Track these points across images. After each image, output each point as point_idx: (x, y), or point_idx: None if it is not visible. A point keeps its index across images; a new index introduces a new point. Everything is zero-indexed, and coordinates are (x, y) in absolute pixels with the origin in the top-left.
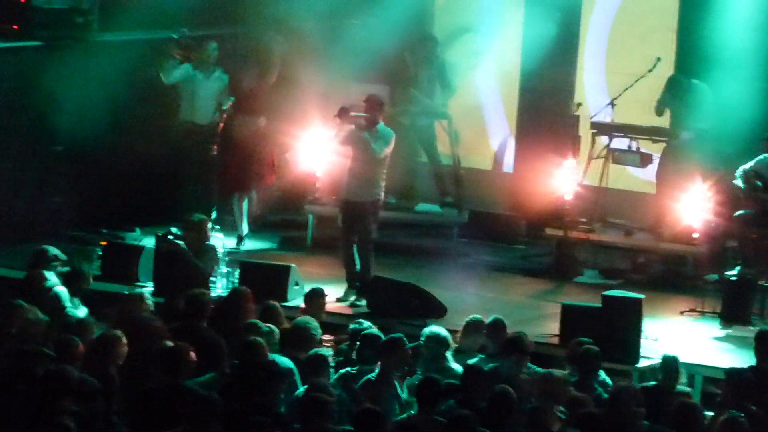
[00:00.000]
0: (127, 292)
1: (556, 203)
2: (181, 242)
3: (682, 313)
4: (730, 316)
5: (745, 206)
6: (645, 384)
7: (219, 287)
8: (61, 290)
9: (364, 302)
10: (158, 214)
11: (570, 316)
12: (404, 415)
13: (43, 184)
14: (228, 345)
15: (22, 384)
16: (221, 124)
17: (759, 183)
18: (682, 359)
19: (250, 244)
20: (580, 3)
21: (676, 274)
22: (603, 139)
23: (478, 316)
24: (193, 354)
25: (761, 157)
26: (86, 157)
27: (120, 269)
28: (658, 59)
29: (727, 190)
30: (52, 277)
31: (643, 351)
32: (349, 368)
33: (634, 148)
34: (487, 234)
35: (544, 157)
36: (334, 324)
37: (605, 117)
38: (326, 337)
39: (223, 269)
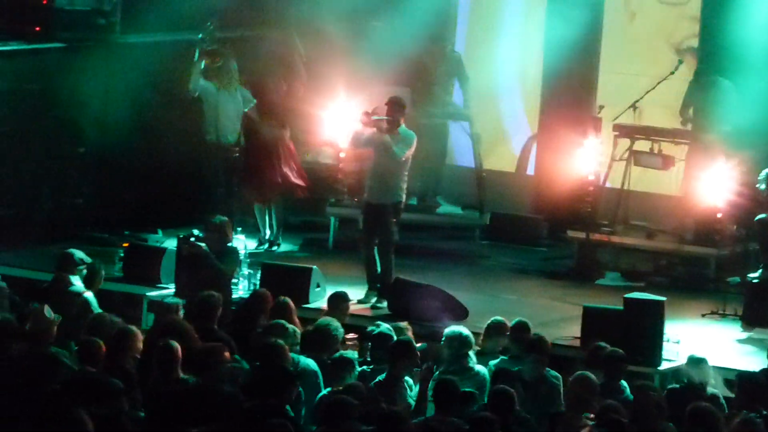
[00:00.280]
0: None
1: (578, 204)
2: (202, 244)
3: (703, 315)
4: (751, 319)
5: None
6: (672, 386)
7: (240, 289)
8: (90, 296)
9: (385, 304)
10: (180, 216)
11: (591, 318)
12: (421, 418)
13: (65, 186)
14: (248, 347)
15: (36, 390)
16: (246, 126)
17: None
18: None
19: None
20: (602, 3)
21: (698, 276)
22: (625, 142)
23: (500, 318)
24: (227, 354)
25: None
26: (109, 158)
27: (142, 271)
28: (680, 61)
29: (749, 175)
30: (77, 282)
31: (665, 353)
32: (365, 367)
33: (655, 151)
34: (508, 236)
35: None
36: (355, 326)
37: (627, 119)
38: (350, 336)
39: (245, 271)
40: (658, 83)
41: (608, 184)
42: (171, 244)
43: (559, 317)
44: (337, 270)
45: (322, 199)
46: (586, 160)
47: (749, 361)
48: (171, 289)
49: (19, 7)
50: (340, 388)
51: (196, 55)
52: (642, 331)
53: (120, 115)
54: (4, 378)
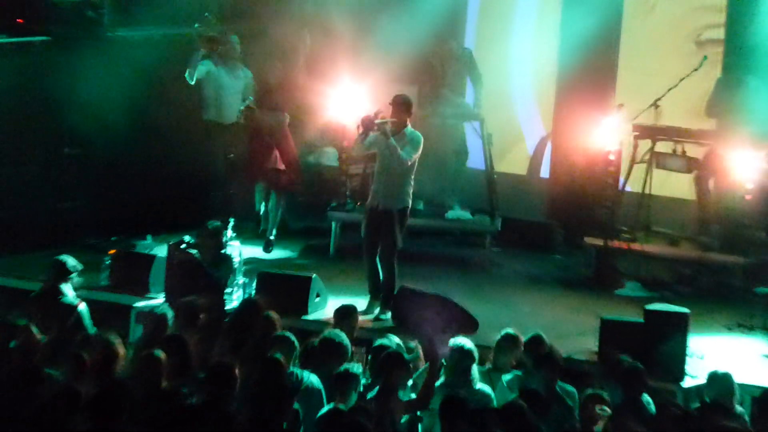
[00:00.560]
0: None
1: (596, 209)
2: (194, 251)
3: (730, 328)
4: None
5: None
6: (696, 405)
7: (235, 299)
8: (84, 309)
9: (389, 315)
10: (172, 221)
11: (610, 331)
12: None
13: (53, 189)
14: (240, 358)
15: (24, 406)
16: (246, 119)
17: None
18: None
19: (270, 250)
20: (622, 1)
21: (724, 286)
22: (646, 143)
23: (512, 330)
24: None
25: None
26: (98, 160)
27: (130, 279)
28: (705, 58)
29: None
30: (68, 290)
31: (689, 369)
32: (364, 379)
33: (679, 152)
34: (521, 243)
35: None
36: (360, 338)
37: (649, 119)
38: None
39: (240, 280)
40: (681, 80)
41: (628, 188)
42: (161, 250)
43: (575, 329)
44: (339, 278)
45: (324, 202)
46: (604, 162)
47: None
48: (160, 299)
49: None
50: (342, 405)
51: (193, 44)
52: (664, 344)
53: (112, 114)
54: None
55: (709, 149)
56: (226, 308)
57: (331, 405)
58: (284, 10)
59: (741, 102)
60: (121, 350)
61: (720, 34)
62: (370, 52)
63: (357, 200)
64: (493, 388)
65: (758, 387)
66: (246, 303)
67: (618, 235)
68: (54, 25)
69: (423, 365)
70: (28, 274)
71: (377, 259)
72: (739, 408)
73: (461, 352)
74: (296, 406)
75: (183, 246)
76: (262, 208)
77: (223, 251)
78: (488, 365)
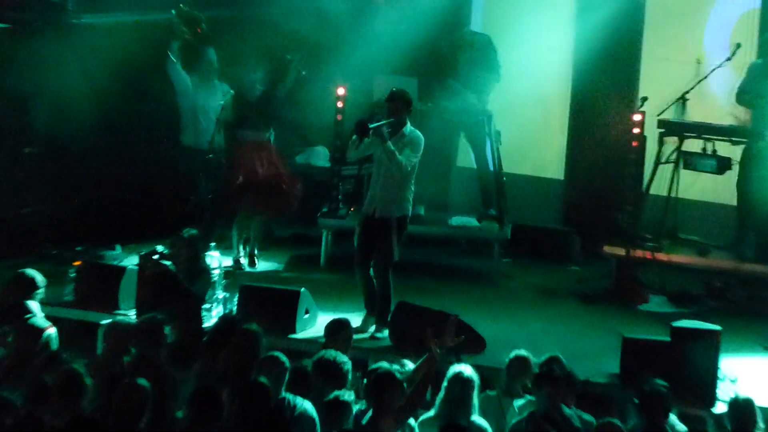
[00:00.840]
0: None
1: (617, 214)
2: (168, 262)
3: (766, 347)
4: None
5: None
6: None
7: (214, 316)
8: (53, 333)
9: (385, 333)
10: (144, 229)
11: (633, 350)
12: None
13: (11, 193)
14: (218, 380)
15: None
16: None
17: None
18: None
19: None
20: None
21: (760, 300)
22: (673, 141)
23: (524, 351)
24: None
25: None
26: (63, 160)
27: (96, 294)
28: (738, 45)
29: None
30: (36, 310)
31: (720, 393)
32: (358, 405)
33: (709, 151)
34: (534, 252)
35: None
36: (353, 359)
37: (676, 114)
38: None
39: (219, 294)
40: (713, 70)
41: (652, 191)
42: (131, 262)
43: (594, 349)
44: (331, 293)
45: (313, 208)
46: (625, 162)
47: None
48: (131, 315)
49: None
50: None
51: (173, 27)
52: (693, 366)
53: (77, 109)
54: None
55: (746, 147)
56: (204, 326)
57: None
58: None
59: None
60: (89, 380)
61: (755, 17)
62: (365, 41)
63: (351, 205)
64: (504, 415)
65: None
66: (224, 320)
67: (641, 243)
68: (13, 10)
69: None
70: None
71: (370, 272)
72: None
73: (460, 381)
74: None
75: (156, 257)
76: (241, 253)
77: (200, 262)
78: (497, 389)
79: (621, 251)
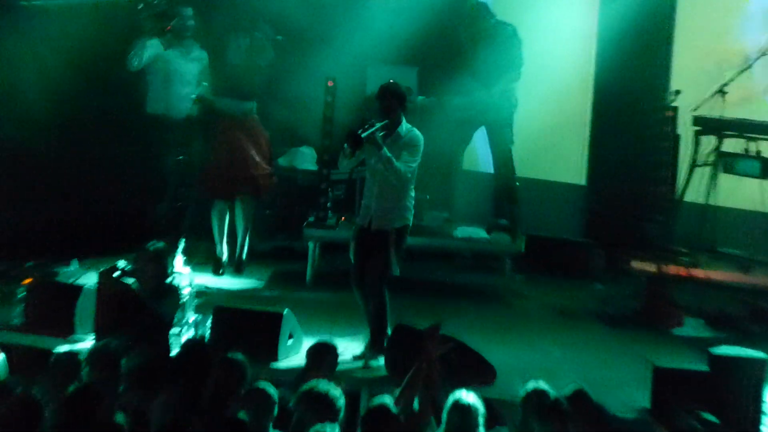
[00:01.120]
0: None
1: (646, 224)
2: (132, 280)
3: None
4: None
5: None
6: None
7: (184, 341)
8: (2, 359)
9: (380, 361)
10: (103, 242)
11: (665, 380)
12: None
13: None
14: (187, 416)
15: None
16: (201, 111)
17: None
18: None
19: (228, 282)
20: None
21: None
22: (710, 140)
23: (541, 382)
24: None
25: None
26: (11, 162)
27: (50, 316)
28: None
29: None
30: None
31: (766, 430)
32: None
33: (752, 152)
34: (551, 267)
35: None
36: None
37: (713, 110)
38: None
39: (190, 316)
40: (756, 59)
41: (687, 198)
42: (89, 279)
43: (620, 380)
44: (318, 314)
45: (298, 217)
46: (656, 165)
47: None
48: (89, 341)
49: None
50: None
51: (141, 21)
52: (734, 397)
53: (26, 104)
54: None
55: None
56: (171, 353)
57: None
58: None
59: None
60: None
61: None
62: (359, 25)
63: (341, 214)
64: None
65: None
66: (190, 346)
67: (674, 257)
68: None
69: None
70: None
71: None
72: None
73: (459, 410)
74: None
75: (117, 274)
76: (225, 251)
77: (168, 280)
78: (510, 426)
79: (651, 267)
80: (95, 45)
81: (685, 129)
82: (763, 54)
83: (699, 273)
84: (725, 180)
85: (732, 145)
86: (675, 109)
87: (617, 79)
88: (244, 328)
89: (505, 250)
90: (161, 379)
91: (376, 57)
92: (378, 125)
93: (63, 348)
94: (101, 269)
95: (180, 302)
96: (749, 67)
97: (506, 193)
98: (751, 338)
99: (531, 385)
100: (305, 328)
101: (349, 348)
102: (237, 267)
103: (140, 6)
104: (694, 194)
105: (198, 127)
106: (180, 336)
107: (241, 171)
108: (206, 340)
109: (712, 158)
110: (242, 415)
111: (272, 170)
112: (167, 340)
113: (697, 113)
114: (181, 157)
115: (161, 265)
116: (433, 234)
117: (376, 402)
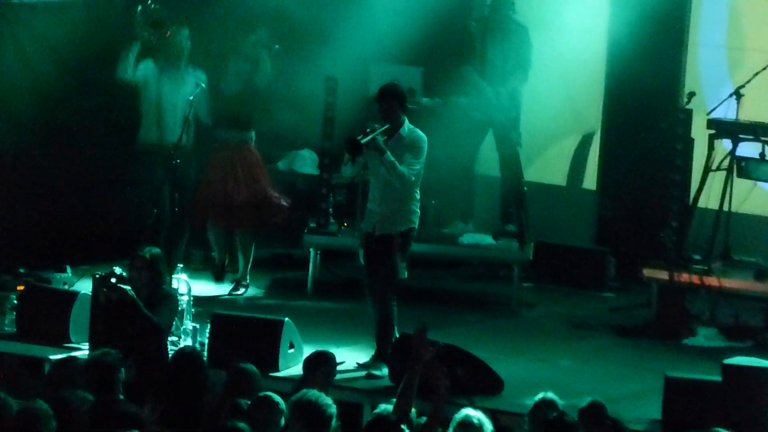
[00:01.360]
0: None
1: (658, 231)
2: (127, 287)
3: None
4: None
5: None
6: None
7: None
8: None
9: (385, 371)
10: (98, 247)
11: (677, 392)
12: None
13: None
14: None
15: None
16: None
17: None
18: None
19: (226, 289)
20: None
21: None
22: (725, 144)
23: (550, 393)
24: None
25: None
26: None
27: (43, 324)
28: None
29: None
30: None
31: None
32: None
33: None
34: (560, 276)
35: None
36: (342, 401)
37: (728, 112)
38: None
39: (188, 325)
40: None
41: (701, 204)
42: (84, 286)
43: (631, 390)
44: (319, 323)
45: (299, 223)
46: (669, 170)
47: None
48: (83, 349)
49: None
50: None
51: (135, 29)
52: (749, 410)
53: (12, 104)
54: None
55: None
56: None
57: None
58: None
59: None
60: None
61: None
62: (360, 21)
63: (343, 220)
64: None
65: None
66: (180, 355)
67: (688, 265)
68: None
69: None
70: None
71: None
72: None
73: (465, 428)
74: None
75: (113, 280)
76: (221, 240)
77: (165, 287)
78: None
79: (664, 275)
80: (84, 43)
81: (700, 132)
82: None
83: (713, 281)
84: (740, 185)
85: (748, 148)
86: (689, 111)
87: (629, 82)
88: (243, 336)
89: (513, 257)
90: (156, 389)
91: (379, 56)
92: (379, 129)
93: (58, 356)
94: (96, 275)
95: (177, 309)
96: (765, 68)
97: (514, 198)
98: (766, 348)
99: (540, 396)
100: (306, 338)
101: (351, 358)
102: (235, 287)
103: (138, 10)
104: (708, 200)
105: (191, 151)
106: (177, 344)
107: (226, 202)
108: (198, 349)
109: (726, 162)
110: (244, 426)
111: (270, 206)
112: (165, 349)
113: (712, 116)
114: (177, 161)
115: (157, 271)
116: (439, 240)
117: (379, 411)
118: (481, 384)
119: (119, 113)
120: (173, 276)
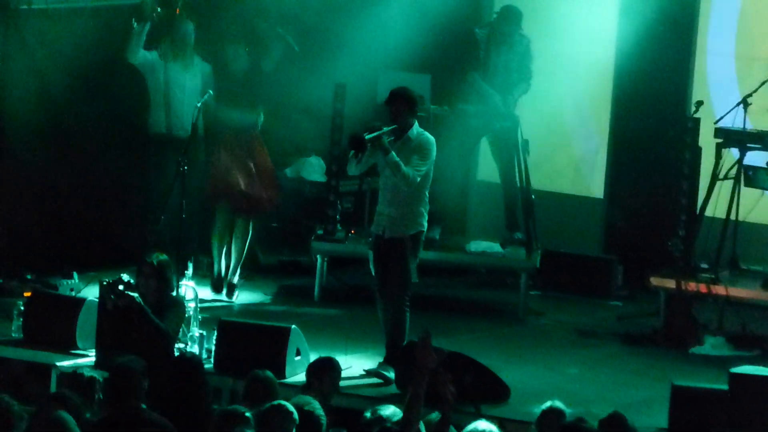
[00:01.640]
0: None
1: (666, 240)
2: (135, 294)
3: None
4: None
5: None
6: None
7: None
8: None
9: (392, 374)
10: (105, 254)
11: (684, 400)
12: None
13: None
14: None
15: None
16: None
17: None
18: None
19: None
20: None
21: None
22: (733, 153)
23: (557, 401)
24: None
25: None
26: (7, 172)
27: (50, 330)
28: None
29: None
30: None
31: None
32: None
33: None
34: (567, 284)
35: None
36: (346, 409)
37: (736, 121)
38: None
39: (195, 332)
40: None
41: (708, 212)
42: (91, 293)
43: (638, 399)
44: (326, 330)
45: (306, 230)
46: (676, 178)
47: None
48: (90, 356)
49: None
50: None
51: (145, 10)
52: (756, 419)
53: (21, 109)
54: None
55: None
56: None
57: None
58: None
59: None
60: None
61: None
62: (370, 29)
63: (350, 227)
64: None
65: None
66: (180, 362)
67: (695, 274)
68: None
69: None
70: None
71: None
72: None
73: None
74: None
75: (120, 287)
76: (222, 253)
77: (172, 294)
78: None
79: (671, 284)
80: (92, 50)
81: (708, 141)
82: None
83: (720, 290)
84: (748, 194)
85: (756, 157)
86: (697, 120)
87: (637, 90)
88: (250, 343)
89: (521, 265)
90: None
91: (388, 63)
92: (386, 129)
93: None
94: (104, 282)
95: (184, 316)
96: None
97: (522, 205)
98: None
99: (547, 404)
100: (313, 345)
101: (358, 365)
102: (228, 291)
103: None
104: (716, 209)
105: (201, 138)
106: (185, 350)
107: (235, 188)
108: (204, 356)
109: (734, 171)
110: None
111: (271, 188)
112: (172, 356)
113: (719, 124)
114: (185, 168)
115: (165, 278)
116: (445, 248)
117: (379, 413)
118: (488, 392)
119: (128, 120)
120: (180, 283)
